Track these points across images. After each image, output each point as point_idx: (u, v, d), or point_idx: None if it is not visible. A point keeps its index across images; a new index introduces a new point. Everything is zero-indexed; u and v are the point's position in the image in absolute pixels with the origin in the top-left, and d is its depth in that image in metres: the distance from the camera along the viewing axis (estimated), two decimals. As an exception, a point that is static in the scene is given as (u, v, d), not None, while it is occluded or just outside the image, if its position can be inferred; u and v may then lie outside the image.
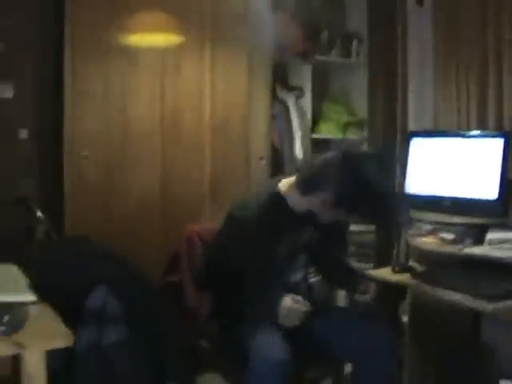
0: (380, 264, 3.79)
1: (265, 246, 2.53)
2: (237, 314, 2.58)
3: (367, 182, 2.42)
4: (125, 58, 3.69)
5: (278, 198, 2.61)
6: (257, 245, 2.51)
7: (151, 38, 3.80)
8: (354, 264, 4.02)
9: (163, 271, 3.07)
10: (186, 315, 2.83)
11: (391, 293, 3.63)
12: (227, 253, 2.62)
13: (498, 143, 3.30)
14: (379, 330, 2.65)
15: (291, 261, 2.70)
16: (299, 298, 2.51)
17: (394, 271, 3.24)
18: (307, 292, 2.81)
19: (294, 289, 2.68)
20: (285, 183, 2.64)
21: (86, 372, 2.15)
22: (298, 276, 2.75)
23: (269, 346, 2.39)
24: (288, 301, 2.48)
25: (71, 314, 2.00)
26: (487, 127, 3.79)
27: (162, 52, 3.80)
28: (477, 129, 3.80)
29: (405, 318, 3.59)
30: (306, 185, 2.54)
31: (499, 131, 3.62)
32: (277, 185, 2.65)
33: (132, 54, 3.71)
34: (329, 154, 2.55)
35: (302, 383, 2.81)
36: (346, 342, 2.61)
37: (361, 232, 4.18)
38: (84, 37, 3.55)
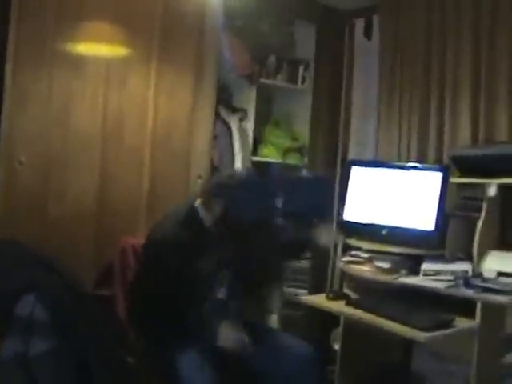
0: (314, 291, 3.79)
1: (184, 261, 2.58)
2: (165, 335, 2.56)
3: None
4: (69, 66, 3.59)
5: (193, 212, 2.71)
6: (176, 262, 2.58)
7: (98, 48, 3.73)
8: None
9: (94, 283, 2.99)
10: (115, 330, 2.76)
11: (324, 320, 3.63)
12: (151, 274, 2.65)
13: (437, 176, 3.36)
14: (304, 355, 2.62)
15: (215, 277, 2.66)
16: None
17: (328, 298, 3.24)
18: (237, 313, 2.76)
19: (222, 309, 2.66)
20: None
21: (9, 382, 2.05)
22: (222, 293, 2.70)
23: (197, 376, 2.35)
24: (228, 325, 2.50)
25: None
26: (427, 160, 3.85)
27: (108, 63, 3.73)
28: (416, 161, 3.85)
29: (337, 346, 3.59)
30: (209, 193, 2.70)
31: (438, 164, 3.67)
32: (194, 200, 2.68)
33: (77, 63, 3.62)
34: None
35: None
36: (272, 369, 2.57)
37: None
38: (28, 40, 3.43)
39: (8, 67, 3.40)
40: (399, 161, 4.00)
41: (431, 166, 3.65)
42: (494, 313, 2.92)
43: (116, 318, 2.83)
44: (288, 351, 2.61)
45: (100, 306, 2.84)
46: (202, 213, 2.70)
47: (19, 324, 2.08)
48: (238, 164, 4.31)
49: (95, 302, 2.66)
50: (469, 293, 2.95)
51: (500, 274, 3.03)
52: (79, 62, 3.62)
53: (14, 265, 2.33)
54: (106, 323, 2.45)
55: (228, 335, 2.51)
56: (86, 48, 3.66)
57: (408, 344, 3.32)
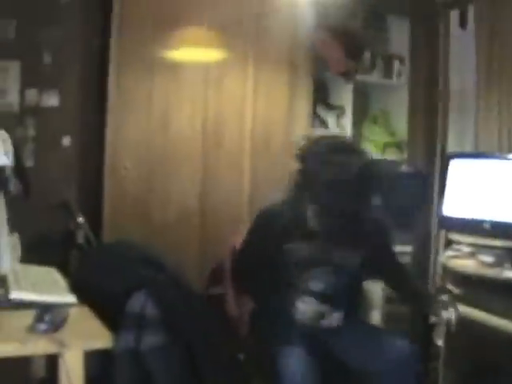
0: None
1: (277, 238, 2.60)
2: (266, 323, 2.62)
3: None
4: (168, 72, 3.73)
5: (301, 199, 2.66)
6: (264, 240, 2.64)
7: (195, 52, 3.84)
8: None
9: (206, 283, 3.08)
10: (228, 328, 2.83)
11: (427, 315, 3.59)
12: (247, 246, 2.74)
13: (539, 166, 3.27)
14: (400, 347, 2.60)
15: (304, 271, 2.68)
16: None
17: (430, 293, 3.20)
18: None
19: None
20: None
21: (123, 377, 2.15)
22: (318, 285, 2.71)
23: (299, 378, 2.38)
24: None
25: (111, 319, 2.00)
26: (528, 151, 3.76)
27: (205, 67, 3.84)
28: (518, 152, 3.77)
29: (440, 342, 3.55)
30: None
31: (540, 155, 3.58)
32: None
33: (175, 69, 3.76)
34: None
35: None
36: (367, 361, 2.58)
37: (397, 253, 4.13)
38: (129, 50, 3.60)
39: (111, 76, 3.57)
40: (500, 152, 3.93)
41: (533, 155, 3.57)
42: None
43: (227, 316, 2.90)
44: (387, 348, 2.59)
45: (211, 305, 2.93)
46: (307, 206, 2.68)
47: (131, 320, 2.18)
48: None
49: (203, 300, 2.74)
50: None
51: None
52: (177, 67, 3.75)
53: (124, 263, 2.43)
54: (215, 320, 2.52)
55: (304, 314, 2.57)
56: (183, 53, 3.78)
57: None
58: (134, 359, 2.14)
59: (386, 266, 2.86)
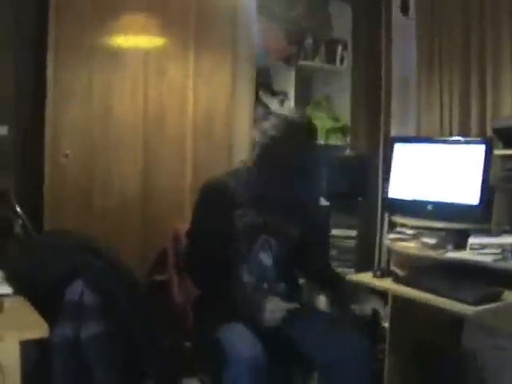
0: (361, 269, 3.78)
1: (222, 210, 2.61)
2: (212, 304, 2.61)
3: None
4: (108, 59, 3.66)
5: (243, 170, 2.75)
6: (214, 209, 2.64)
7: (135, 39, 3.77)
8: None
9: (149, 269, 3.05)
10: (172, 315, 2.80)
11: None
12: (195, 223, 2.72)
13: (480, 149, 3.31)
14: (354, 339, 2.61)
15: (252, 238, 2.68)
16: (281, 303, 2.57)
17: (375, 276, 3.23)
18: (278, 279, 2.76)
19: (266, 273, 2.68)
20: None
21: (63, 365, 2.11)
22: (267, 259, 2.71)
23: (241, 344, 2.37)
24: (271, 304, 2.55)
25: (49, 308, 1.96)
26: (469, 133, 3.81)
27: (146, 53, 3.77)
28: (459, 135, 3.82)
29: (385, 324, 3.58)
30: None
31: (481, 137, 3.63)
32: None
33: (115, 55, 3.68)
34: None
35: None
36: (319, 349, 2.57)
37: (342, 237, 4.17)
38: (67, 37, 3.51)
39: (49, 63, 3.48)
40: (441, 136, 3.97)
41: (474, 139, 3.61)
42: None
43: (171, 303, 2.88)
44: (338, 341, 2.58)
45: (155, 292, 2.91)
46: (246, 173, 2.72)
47: (69, 308, 2.14)
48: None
49: (141, 286, 2.71)
50: (517, 265, 2.92)
51: (549, 244, 2.99)
52: (117, 53, 3.68)
53: (61, 252, 2.39)
54: (153, 307, 2.49)
55: (271, 314, 2.53)
56: (123, 39, 3.72)
57: (458, 319, 3.29)
58: (73, 349, 2.11)
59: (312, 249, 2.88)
